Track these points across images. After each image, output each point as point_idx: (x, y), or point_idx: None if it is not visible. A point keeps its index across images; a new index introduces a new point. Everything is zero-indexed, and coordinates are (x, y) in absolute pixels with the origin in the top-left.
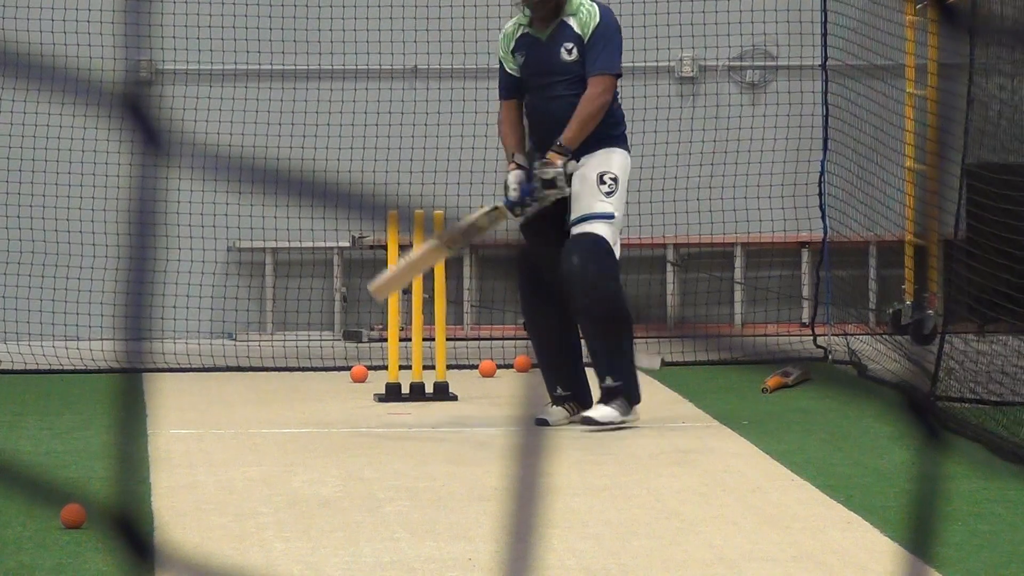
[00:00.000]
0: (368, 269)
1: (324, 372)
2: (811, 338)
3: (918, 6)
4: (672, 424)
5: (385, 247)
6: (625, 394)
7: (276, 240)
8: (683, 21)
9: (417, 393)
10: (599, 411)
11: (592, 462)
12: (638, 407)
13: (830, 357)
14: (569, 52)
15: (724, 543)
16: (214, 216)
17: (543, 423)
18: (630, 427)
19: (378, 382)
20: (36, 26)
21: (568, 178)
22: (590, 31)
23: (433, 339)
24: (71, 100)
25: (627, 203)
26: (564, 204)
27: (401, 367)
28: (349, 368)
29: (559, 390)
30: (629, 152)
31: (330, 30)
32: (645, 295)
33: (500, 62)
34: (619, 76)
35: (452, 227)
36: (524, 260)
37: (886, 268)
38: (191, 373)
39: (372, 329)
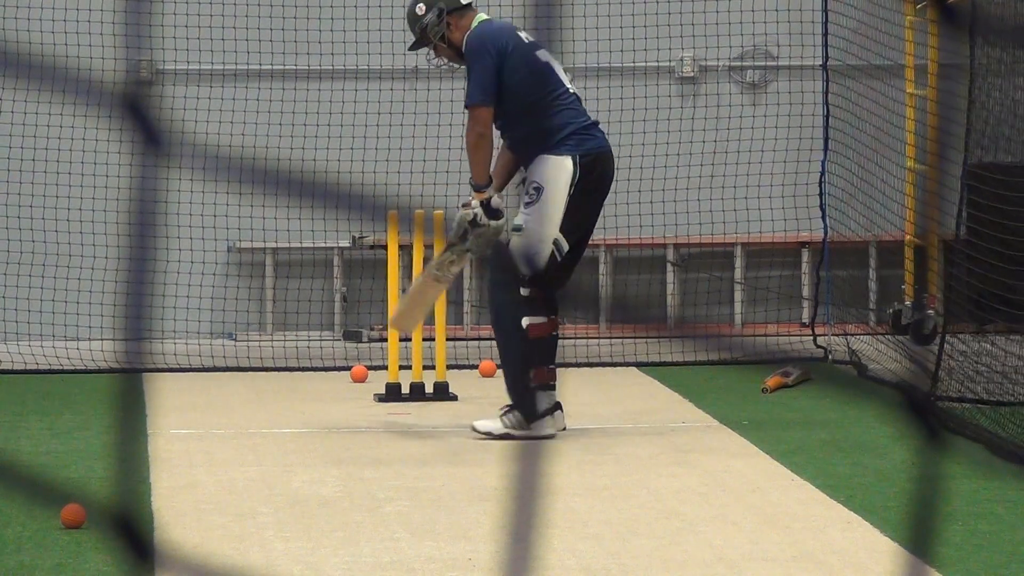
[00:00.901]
0: (368, 269)
1: (324, 372)
2: (811, 338)
3: (918, 6)
4: (672, 424)
5: (385, 247)
6: (520, 410)
7: (276, 240)
8: (683, 21)
9: (417, 393)
10: (482, 422)
11: (592, 462)
12: (546, 420)
13: (830, 357)
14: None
15: (724, 543)
16: (214, 216)
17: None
18: (631, 428)
19: (378, 382)
20: (36, 26)
21: (491, 210)
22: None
23: (433, 339)
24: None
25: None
26: None
27: (401, 367)
28: (349, 368)
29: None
30: (575, 155)
31: (330, 30)
32: (645, 295)
33: None
34: (480, 104)
35: (435, 260)
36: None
37: (886, 268)
38: (191, 373)
39: (372, 329)
